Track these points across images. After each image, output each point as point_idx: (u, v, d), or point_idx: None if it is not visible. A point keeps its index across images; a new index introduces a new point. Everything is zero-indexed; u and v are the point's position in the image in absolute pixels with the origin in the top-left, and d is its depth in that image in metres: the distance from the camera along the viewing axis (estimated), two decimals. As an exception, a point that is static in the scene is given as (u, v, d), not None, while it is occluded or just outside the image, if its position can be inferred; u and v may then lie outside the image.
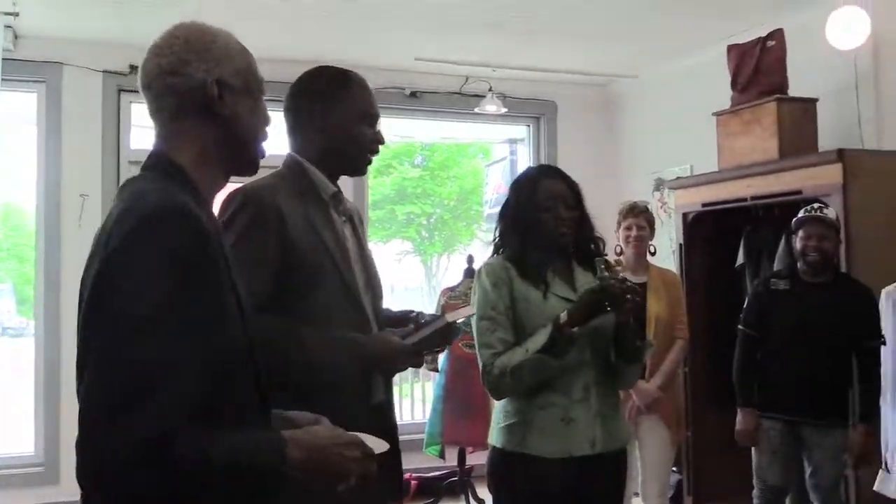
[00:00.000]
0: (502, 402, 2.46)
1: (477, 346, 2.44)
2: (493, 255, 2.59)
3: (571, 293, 2.43)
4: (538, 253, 2.46)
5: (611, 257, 2.94)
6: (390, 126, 7.09)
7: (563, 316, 2.28)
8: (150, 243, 1.14)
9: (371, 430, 1.50)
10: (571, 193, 2.49)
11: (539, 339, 2.31)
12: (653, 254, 4.07)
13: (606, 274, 2.33)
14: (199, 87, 1.34)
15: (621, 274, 2.57)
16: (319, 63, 2.21)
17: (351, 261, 2.02)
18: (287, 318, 1.87)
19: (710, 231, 4.81)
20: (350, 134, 2.06)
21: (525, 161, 6.54)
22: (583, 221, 2.52)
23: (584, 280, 2.47)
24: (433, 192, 12.39)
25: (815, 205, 3.56)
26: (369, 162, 2.14)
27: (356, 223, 2.16)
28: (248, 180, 1.83)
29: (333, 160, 2.08)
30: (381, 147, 2.13)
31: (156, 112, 1.37)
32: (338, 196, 2.10)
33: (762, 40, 4.44)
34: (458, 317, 2.13)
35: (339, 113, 2.06)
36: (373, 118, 2.12)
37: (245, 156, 1.42)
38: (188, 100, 1.34)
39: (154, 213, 1.17)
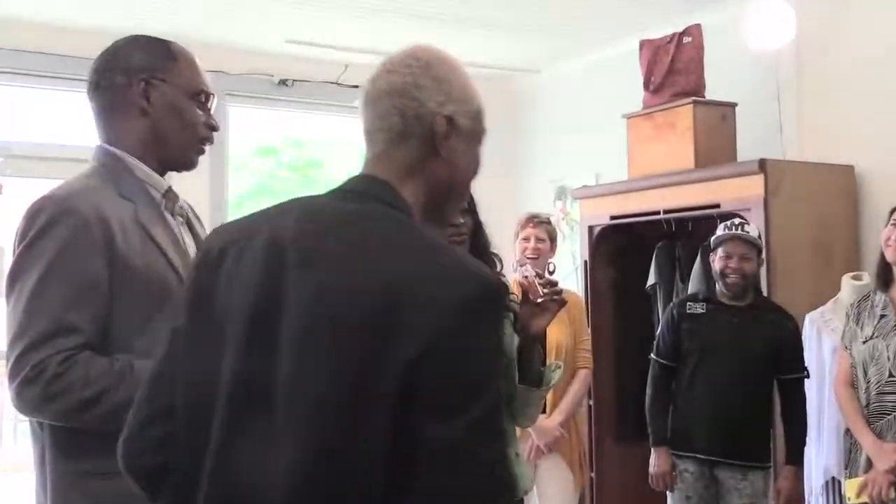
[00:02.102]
0: None
1: None
2: None
3: None
4: None
5: (512, 275, 2.91)
6: (254, 118, 6.93)
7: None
8: None
9: None
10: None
11: None
12: (551, 272, 4.05)
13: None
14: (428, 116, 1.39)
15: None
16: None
17: None
18: (125, 358, 1.71)
19: (617, 246, 4.86)
20: (180, 117, 1.93)
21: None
22: (478, 232, 2.50)
23: None
24: (303, 192, 12.23)
25: (736, 220, 3.63)
26: (202, 152, 2.00)
27: (193, 224, 2.05)
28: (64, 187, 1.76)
29: (160, 150, 1.93)
30: (213, 135, 1.99)
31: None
32: (171, 193, 1.97)
33: (678, 36, 4.52)
34: None
35: (165, 91, 1.91)
36: (205, 96, 1.98)
37: (450, 208, 1.50)
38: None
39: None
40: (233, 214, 8.81)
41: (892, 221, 3.35)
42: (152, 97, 1.90)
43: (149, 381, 1.37)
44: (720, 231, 3.61)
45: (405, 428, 1.13)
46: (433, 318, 1.16)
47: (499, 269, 2.60)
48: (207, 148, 2.01)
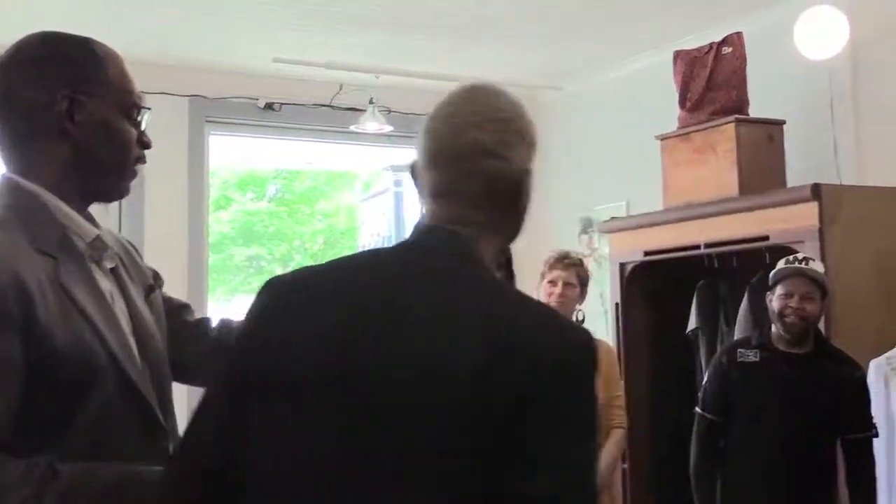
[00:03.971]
0: None
1: None
2: None
3: None
4: None
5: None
6: (238, 147, 6.93)
7: None
8: None
9: None
10: None
11: None
12: (581, 321, 4.04)
13: None
14: None
15: None
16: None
17: (127, 339, 1.71)
18: (45, 461, 1.52)
19: (653, 286, 4.83)
20: (112, 137, 1.75)
21: (415, 194, 6.47)
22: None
23: None
24: (291, 233, 12.24)
25: (800, 255, 3.60)
26: (135, 175, 1.83)
27: (123, 273, 1.84)
28: None
29: (88, 180, 1.74)
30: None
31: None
32: (99, 242, 1.76)
33: (716, 46, 4.51)
34: None
35: (95, 107, 1.72)
36: (136, 109, 1.81)
37: None
38: None
39: None
40: (215, 256, 8.83)
41: None
42: (78, 116, 1.71)
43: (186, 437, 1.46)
44: (781, 265, 3.59)
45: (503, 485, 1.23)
46: (537, 375, 1.27)
47: None
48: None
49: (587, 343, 1.34)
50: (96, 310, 1.65)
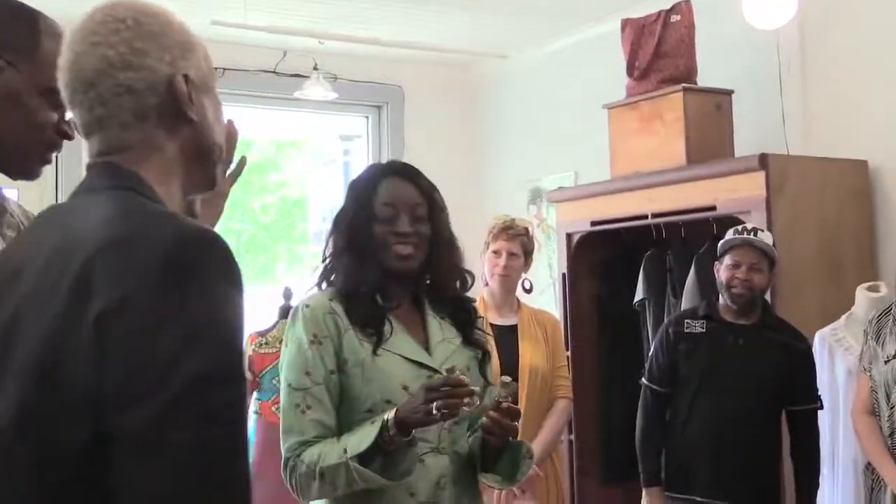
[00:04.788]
0: None
1: (281, 427, 2.29)
2: (316, 287, 2.42)
3: (420, 352, 2.32)
4: (373, 286, 2.32)
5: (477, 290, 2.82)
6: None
7: (390, 418, 2.15)
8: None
9: None
10: (424, 201, 2.38)
11: (362, 438, 2.17)
12: (528, 290, 4.03)
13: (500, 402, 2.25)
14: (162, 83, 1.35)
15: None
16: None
17: None
18: None
19: (600, 256, 4.83)
20: (23, 115, 1.70)
21: (362, 164, 6.41)
22: (440, 243, 2.40)
23: (440, 335, 2.36)
24: (242, 205, 12.12)
25: (748, 225, 3.59)
26: (47, 161, 1.79)
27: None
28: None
29: None
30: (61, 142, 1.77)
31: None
32: (2, 208, 1.75)
33: (665, 14, 4.49)
34: None
35: (11, 78, 1.68)
36: (57, 95, 1.70)
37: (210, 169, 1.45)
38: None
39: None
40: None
41: None
42: None
43: None
44: (729, 235, 3.58)
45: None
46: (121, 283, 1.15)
47: (470, 285, 2.49)
48: None
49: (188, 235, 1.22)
50: None
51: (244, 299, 1.22)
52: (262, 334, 4.94)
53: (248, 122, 7.25)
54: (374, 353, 2.26)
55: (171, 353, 1.11)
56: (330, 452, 2.19)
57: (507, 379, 2.31)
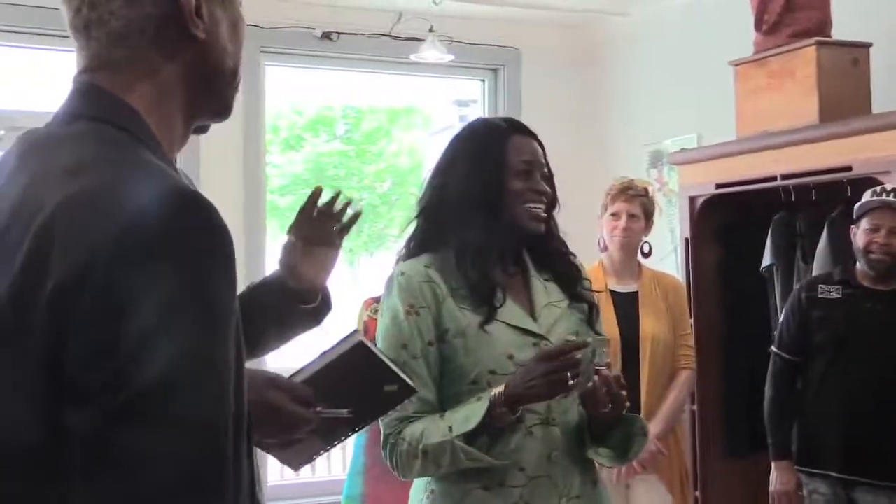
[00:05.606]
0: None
1: None
2: (406, 254, 2.35)
3: (525, 318, 2.24)
4: (504, 245, 2.26)
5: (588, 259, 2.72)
6: (297, 79, 6.83)
7: (499, 393, 2.09)
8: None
9: None
10: (546, 162, 2.33)
11: (469, 415, 2.12)
12: (646, 254, 4.04)
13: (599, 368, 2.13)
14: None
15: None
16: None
17: None
18: None
19: (725, 221, 4.73)
20: None
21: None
22: (553, 206, 2.36)
23: (546, 297, 2.28)
24: (358, 173, 12.27)
25: (888, 186, 3.49)
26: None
27: None
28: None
29: None
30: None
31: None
32: None
33: (796, -38, 4.35)
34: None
35: None
36: None
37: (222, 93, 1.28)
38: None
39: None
40: (290, 197, 8.75)
41: None
42: None
43: None
44: (867, 197, 3.51)
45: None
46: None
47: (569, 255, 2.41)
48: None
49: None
50: None
51: (233, 274, 1.03)
52: (377, 300, 4.93)
53: (362, 89, 7.31)
54: (486, 322, 2.19)
55: (135, 342, 0.95)
56: (433, 430, 2.14)
57: (602, 336, 2.24)
